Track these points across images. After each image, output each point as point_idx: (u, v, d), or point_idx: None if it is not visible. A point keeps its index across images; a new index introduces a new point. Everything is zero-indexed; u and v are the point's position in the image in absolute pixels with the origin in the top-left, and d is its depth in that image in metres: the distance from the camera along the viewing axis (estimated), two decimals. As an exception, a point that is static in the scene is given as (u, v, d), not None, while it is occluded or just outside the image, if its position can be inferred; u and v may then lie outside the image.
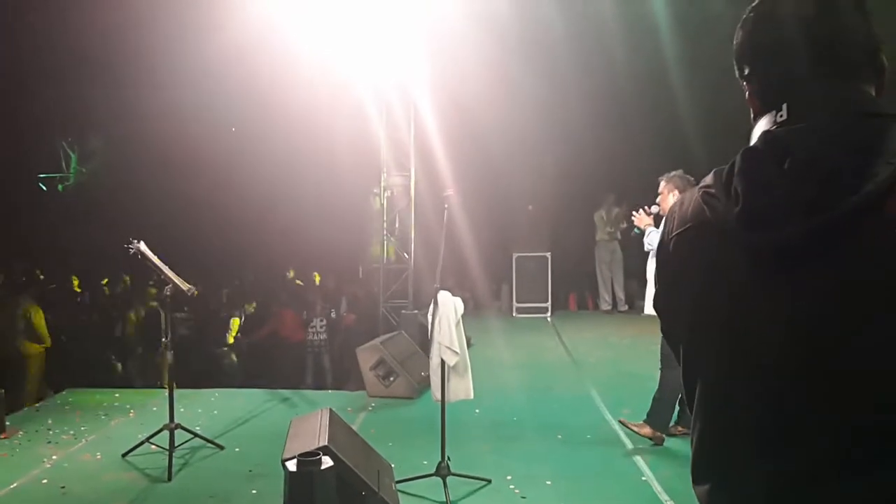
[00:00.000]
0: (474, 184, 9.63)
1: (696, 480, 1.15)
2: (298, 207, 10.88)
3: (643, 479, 4.65)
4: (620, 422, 5.43)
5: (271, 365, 8.78)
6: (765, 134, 1.10)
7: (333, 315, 9.54)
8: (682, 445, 5.16)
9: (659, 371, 5.16)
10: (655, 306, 1.28)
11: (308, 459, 3.53)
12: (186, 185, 11.62)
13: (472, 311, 8.65)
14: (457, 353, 4.29)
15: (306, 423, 4.13)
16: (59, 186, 17.16)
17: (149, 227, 5.79)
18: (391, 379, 6.54)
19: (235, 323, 8.85)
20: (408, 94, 8.59)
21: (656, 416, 5.20)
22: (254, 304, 9.46)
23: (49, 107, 13.20)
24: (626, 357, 8.21)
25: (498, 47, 8.36)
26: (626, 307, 11.32)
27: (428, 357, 7.01)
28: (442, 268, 4.42)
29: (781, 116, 1.10)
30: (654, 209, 5.47)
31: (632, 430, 5.28)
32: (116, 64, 11.21)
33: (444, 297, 4.35)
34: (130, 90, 11.38)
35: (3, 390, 5.70)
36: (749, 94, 1.18)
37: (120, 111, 12.16)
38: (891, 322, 0.95)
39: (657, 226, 5.57)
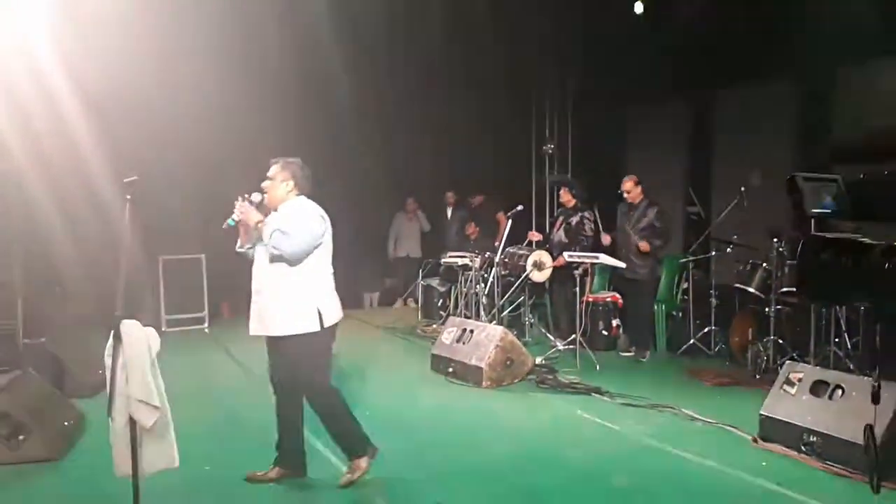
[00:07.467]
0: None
1: None
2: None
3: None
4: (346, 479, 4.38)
5: None
6: None
7: None
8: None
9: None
10: None
11: None
12: None
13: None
14: (156, 407, 3.02)
15: None
16: None
17: None
18: (21, 438, 4.76)
19: None
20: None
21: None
22: None
23: None
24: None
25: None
26: None
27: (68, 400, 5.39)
28: (126, 285, 3.08)
29: None
30: (256, 197, 4.30)
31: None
32: None
33: (131, 329, 3.03)
34: None
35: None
36: None
37: None
38: None
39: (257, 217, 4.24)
